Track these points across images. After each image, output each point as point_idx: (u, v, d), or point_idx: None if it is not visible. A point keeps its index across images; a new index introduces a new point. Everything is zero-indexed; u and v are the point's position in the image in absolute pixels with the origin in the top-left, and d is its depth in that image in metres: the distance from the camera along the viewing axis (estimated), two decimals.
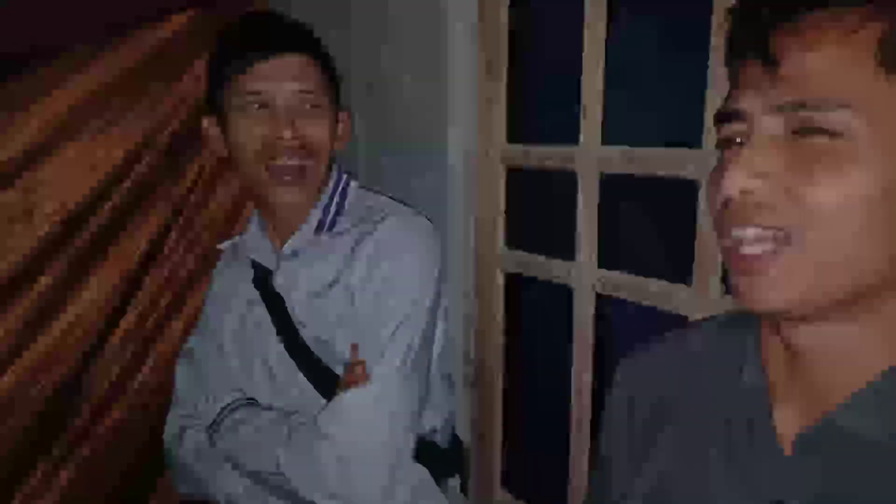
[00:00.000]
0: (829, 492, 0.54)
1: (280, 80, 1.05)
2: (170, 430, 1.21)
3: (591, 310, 1.27)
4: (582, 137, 1.22)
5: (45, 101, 1.45)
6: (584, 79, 1.20)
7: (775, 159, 0.52)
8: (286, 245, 1.13)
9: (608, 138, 1.20)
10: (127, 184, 1.58)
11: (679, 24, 1.12)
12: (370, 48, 1.56)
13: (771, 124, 0.53)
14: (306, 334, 1.09)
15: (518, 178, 1.41)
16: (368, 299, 1.04)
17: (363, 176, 1.60)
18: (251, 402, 1.13)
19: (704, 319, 0.77)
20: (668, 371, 0.72)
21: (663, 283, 1.14)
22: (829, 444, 0.55)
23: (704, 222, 1.06)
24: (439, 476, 1.18)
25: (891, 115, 0.50)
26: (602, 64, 1.18)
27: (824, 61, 0.50)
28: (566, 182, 1.25)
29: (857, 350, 0.55)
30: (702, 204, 1.06)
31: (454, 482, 1.33)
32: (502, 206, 1.44)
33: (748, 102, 0.54)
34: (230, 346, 1.17)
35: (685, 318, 1.11)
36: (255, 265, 1.16)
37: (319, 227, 1.11)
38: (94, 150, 1.53)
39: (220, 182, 1.76)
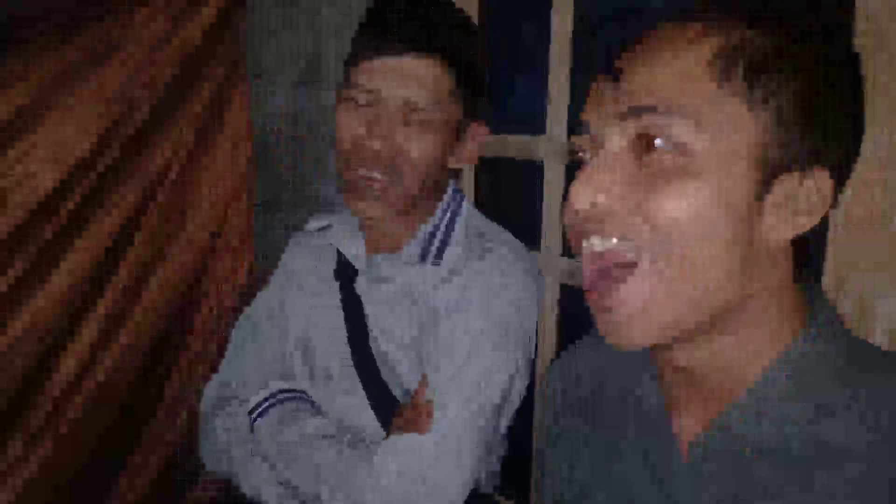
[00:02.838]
0: (723, 496, 0.55)
1: (388, 84, 0.90)
2: (209, 393, 1.13)
3: (556, 298, 1.28)
4: (548, 127, 1.23)
5: (13, 86, 1.44)
6: (551, 69, 1.21)
7: (619, 174, 0.52)
8: (378, 260, 1.02)
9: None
10: (97, 168, 1.58)
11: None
12: (342, 39, 1.57)
13: (614, 139, 0.53)
14: (375, 347, 1.01)
15: (485, 167, 1.42)
16: (449, 335, 0.93)
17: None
18: (301, 395, 1.05)
19: None
20: (592, 371, 0.73)
21: None
22: (718, 450, 0.56)
23: None
24: None
25: (727, 128, 0.50)
26: (569, 56, 1.19)
27: (662, 73, 0.51)
28: (532, 171, 1.26)
29: (732, 360, 0.56)
30: None
31: None
32: (471, 197, 1.45)
33: (593, 116, 0.55)
34: (294, 332, 1.09)
35: None
36: (341, 257, 1.07)
37: (423, 258, 0.99)
38: (62, 135, 1.52)
39: (205, 162, 1.75)
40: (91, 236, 1.60)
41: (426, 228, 1.00)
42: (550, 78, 1.21)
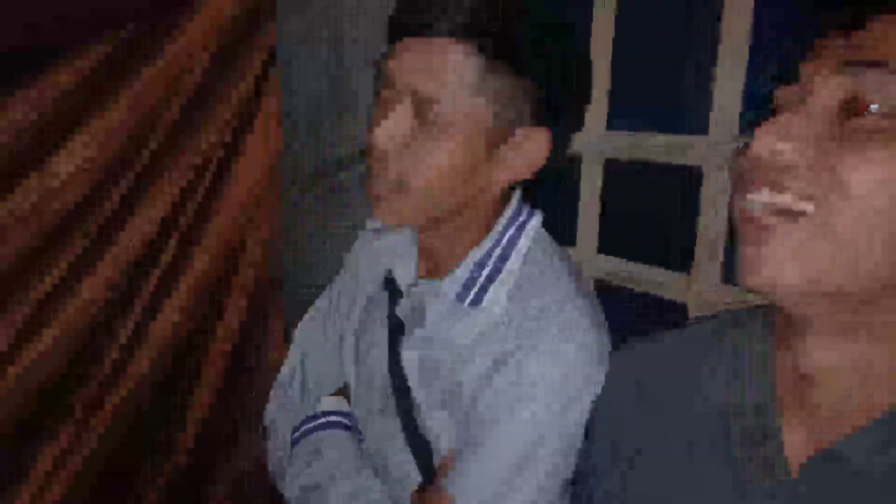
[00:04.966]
0: None
1: (399, 70, 0.73)
2: (272, 394, 1.04)
3: None
4: (587, 122, 1.22)
5: (44, 98, 1.46)
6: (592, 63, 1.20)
7: (818, 127, 0.48)
8: (421, 287, 0.85)
9: (614, 123, 1.20)
10: (134, 168, 1.60)
11: (689, 8, 1.12)
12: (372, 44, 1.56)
13: (825, 92, 0.49)
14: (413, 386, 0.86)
15: None
16: (482, 417, 0.77)
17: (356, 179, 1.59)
18: (342, 422, 0.94)
19: (702, 319, 0.73)
20: (663, 374, 0.68)
21: (661, 270, 1.14)
22: (834, 474, 0.52)
23: (706, 210, 1.06)
24: None
25: None
26: (610, 49, 1.18)
27: None
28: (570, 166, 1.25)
29: (868, 376, 0.52)
30: (704, 191, 1.06)
31: None
32: None
33: (811, 66, 0.51)
34: (348, 338, 0.97)
35: (682, 305, 1.11)
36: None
37: (460, 297, 0.80)
38: (100, 133, 1.54)
39: (237, 158, 1.77)
40: (129, 235, 1.62)
41: (474, 256, 0.81)
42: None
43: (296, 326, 1.08)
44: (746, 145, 0.52)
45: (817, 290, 0.49)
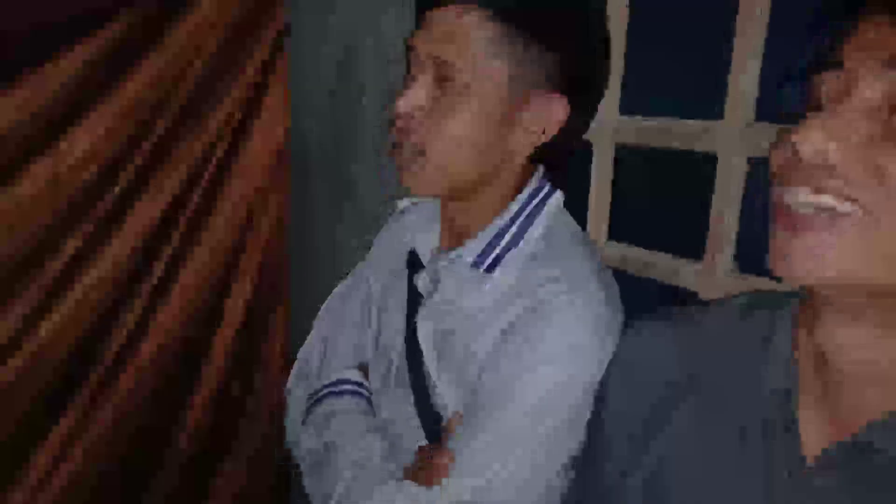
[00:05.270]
0: None
1: (421, 40, 0.77)
2: (293, 370, 1.06)
3: None
4: (599, 109, 1.20)
5: (61, 75, 1.46)
6: None
7: (864, 126, 0.47)
8: (440, 257, 0.86)
9: (626, 108, 1.18)
10: (136, 159, 1.60)
11: None
12: (377, 19, 1.55)
13: (874, 87, 0.47)
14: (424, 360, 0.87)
15: None
16: (488, 385, 0.77)
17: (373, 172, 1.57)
18: (358, 390, 0.95)
19: (720, 301, 0.71)
20: (678, 354, 0.66)
21: (671, 257, 1.13)
22: (856, 463, 0.51)
23: (719, 197, 1.05)
24: None
25: None
26: (624, 31, 1.16)
27: None
28: (582, 152, 1.24)
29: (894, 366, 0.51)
30: (718, 178, 1.05)
31: None
32: None
33: (855, 57, 0.48)
34: (372, 314, 0.99)
35: (693, 293, 1.10)
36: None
37: (476, 264, 0.82)
38: (110, 115, 1.54)
39: (242, 148, 1.76)
40: (135, 221, 1.63)
41: (494, 226, 0.82)
42: None
43: (302, 312, 1.07)
44: (785, 134, 0.51)
45: (851, 283, 0.48)
